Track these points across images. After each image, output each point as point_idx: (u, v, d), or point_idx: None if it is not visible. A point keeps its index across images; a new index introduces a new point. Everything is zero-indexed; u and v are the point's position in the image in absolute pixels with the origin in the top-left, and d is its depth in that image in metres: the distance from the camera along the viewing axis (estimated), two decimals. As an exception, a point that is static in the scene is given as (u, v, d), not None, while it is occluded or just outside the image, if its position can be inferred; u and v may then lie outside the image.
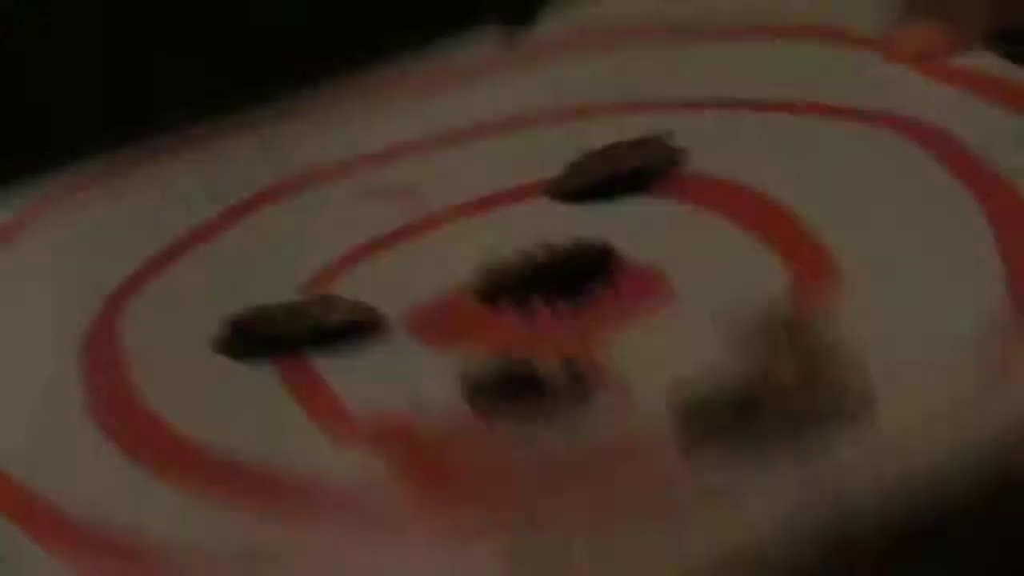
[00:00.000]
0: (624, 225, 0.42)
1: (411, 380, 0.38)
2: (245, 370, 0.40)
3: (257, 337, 0.40)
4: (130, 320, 0.42)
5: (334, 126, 0.49)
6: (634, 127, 0.46)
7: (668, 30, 0.51)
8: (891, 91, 0.47)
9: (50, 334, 0.42)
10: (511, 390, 0.37)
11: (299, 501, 0.35)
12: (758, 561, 0.32)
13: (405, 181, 0.46)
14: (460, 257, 0.42)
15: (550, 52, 0.50)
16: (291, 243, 0.44)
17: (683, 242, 0.42)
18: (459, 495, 0.34)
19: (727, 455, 0.34)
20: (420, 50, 0.50)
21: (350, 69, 0.49)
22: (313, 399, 0.38)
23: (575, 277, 0.41)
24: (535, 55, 0.50)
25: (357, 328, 0.40)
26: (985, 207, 0.41)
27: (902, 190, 0.43)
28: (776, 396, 0.35)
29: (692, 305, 0.39)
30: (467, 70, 0.50)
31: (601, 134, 0.46)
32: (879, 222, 0.41)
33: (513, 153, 0.46)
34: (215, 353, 0.40)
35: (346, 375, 0.39)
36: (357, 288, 0.42)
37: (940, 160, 0.43)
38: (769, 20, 0.50)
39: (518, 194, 0.45)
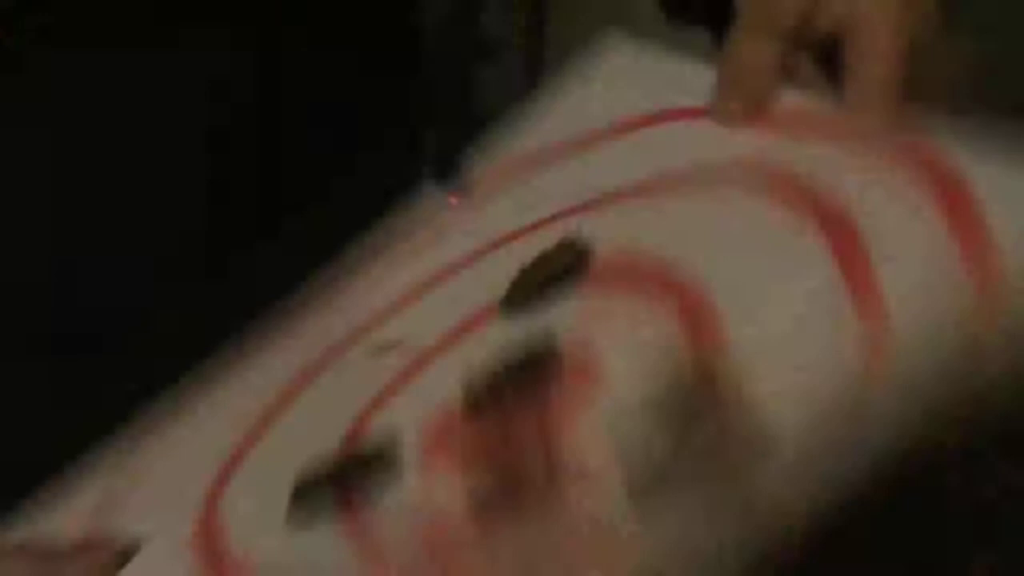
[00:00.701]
0: (560, 323, 0.55)
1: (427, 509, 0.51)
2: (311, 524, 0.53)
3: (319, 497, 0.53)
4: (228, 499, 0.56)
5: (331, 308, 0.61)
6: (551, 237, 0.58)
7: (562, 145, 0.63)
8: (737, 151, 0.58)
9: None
10: (506, 499, 0.50)
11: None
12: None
13: (396, 335, 0.59)
14: (448, 381, 0.55)
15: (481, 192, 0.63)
16: (328, 411, 0.57)
17: (601, 324, 0.54)
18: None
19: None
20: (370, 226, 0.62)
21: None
22: (356, 533, 0.51)
23: (533, 378, 0.53)
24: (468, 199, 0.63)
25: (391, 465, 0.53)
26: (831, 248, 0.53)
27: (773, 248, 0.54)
28: (697, 454, 0.48)
29: (623, 384, 0.52)
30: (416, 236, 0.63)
31: (529, 250, 0.58)
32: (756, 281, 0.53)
33: (470, 287, 0.59)
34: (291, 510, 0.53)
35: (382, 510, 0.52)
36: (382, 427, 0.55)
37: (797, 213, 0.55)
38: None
39: (480, 319, 0.57)
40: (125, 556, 0.55)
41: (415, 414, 0.54)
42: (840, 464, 0.47)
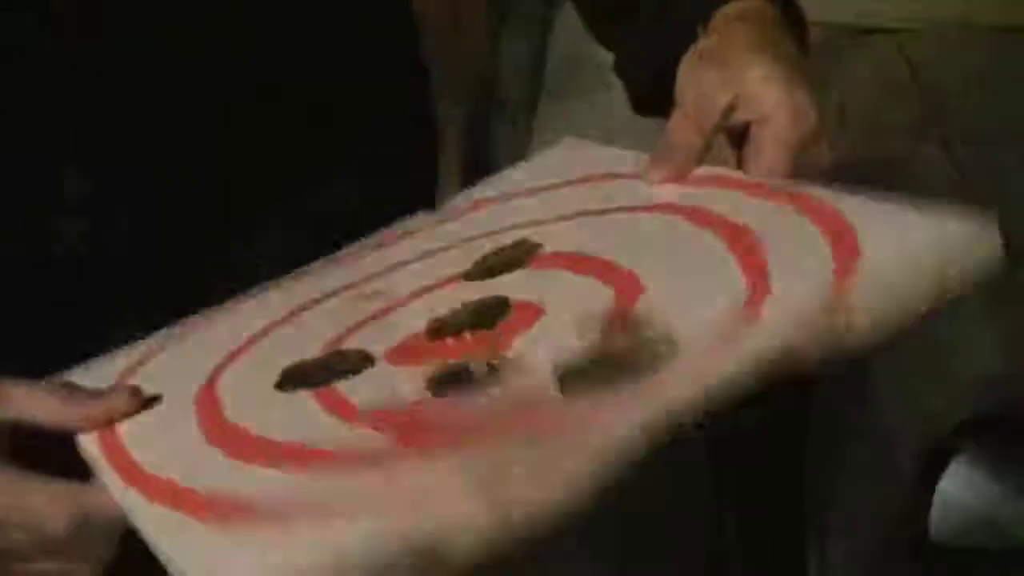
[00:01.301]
0: (511, 287, 0.71)
1: (391, 387, 0.66)
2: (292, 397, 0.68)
3: (302, 378, 0.69)
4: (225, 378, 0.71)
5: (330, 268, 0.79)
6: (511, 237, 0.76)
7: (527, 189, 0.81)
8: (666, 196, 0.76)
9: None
10: (456, 380, 0.65)
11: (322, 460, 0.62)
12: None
13: (381, 288, 0.75)
14: (416, 319, 0.71)
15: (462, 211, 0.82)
16: (314, 331, 0.73)
17: (546, 287, 0.71)
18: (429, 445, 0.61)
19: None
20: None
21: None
22: (331, 403, 0.66)
23: (487, 317, 0.70)
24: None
25: (365, 363, 0.69)
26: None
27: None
28: (617, 361, 0.63)
29: (559, 317, 0.68)
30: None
31: (492, 245, 0.76)
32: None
33: (444, 262, 0.76)
34: (276, 391, 0.68)
35: (354, 388, 0.67)
36: (357, 343, 0.71)
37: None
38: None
39: (446, 284, 0.74)
40: (146, 402, 0.69)
41: (385, 337, 0.70)
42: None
